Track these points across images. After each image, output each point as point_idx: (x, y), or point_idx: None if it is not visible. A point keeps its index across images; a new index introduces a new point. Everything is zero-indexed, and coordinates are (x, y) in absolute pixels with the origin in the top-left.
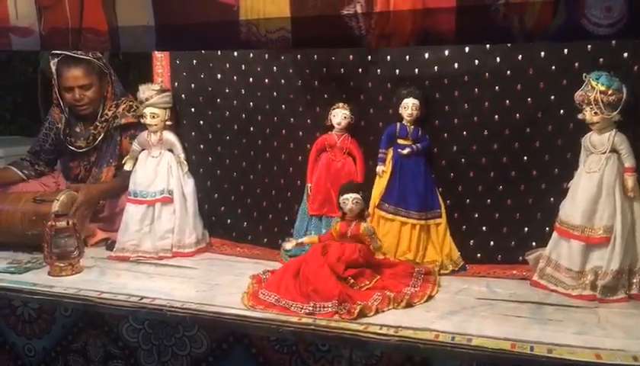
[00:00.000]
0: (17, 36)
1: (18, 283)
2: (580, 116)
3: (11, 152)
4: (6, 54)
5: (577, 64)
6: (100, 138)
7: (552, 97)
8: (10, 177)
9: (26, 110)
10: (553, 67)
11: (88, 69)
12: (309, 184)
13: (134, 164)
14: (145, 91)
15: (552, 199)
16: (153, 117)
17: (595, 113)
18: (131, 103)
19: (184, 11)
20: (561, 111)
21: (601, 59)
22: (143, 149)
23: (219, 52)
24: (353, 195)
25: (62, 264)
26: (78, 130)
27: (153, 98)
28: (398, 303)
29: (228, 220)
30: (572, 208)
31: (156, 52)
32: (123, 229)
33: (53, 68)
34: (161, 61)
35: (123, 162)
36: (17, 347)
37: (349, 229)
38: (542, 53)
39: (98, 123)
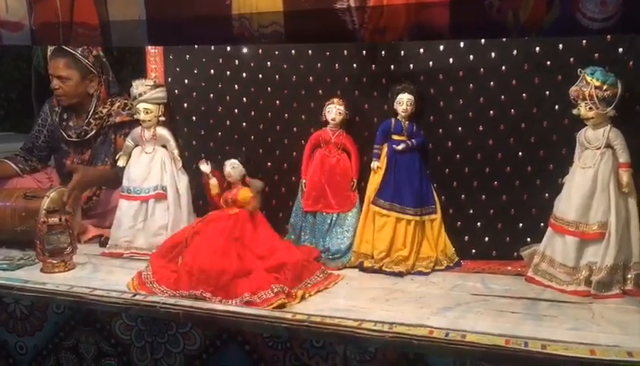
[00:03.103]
0: (7, 30)
1: (10, 280)
2: (575, 111)
3: (5, 148)
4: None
5: (572, 59)
6: (91, 134)
7: (547, 92)
8: (5, 171)
9: (19, 107)
10: (548, 62)
11: (69, 64)
12: (304, 180)
13: (127, 160)
14: (138, 86)
15: (546, 195)
16: (146, 112)
17: (590, 108)
18: (125, 101)
19: (176, 6)
20: (556, 107)
21: (596, 55)
22: (137, 145)
23: (213, 48)
24: (233, 160)
25: (54, 261)
26: (71, 123)
27: (146, 94)
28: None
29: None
30: (567, 204)
31: (150, 47)
32: (116, 225)
33: (49, 54)
34: (154, 56)
35: (117, 157)
36: (8, 345)
37: (230, 195)
38: (537, 48)
39: (92, 120)
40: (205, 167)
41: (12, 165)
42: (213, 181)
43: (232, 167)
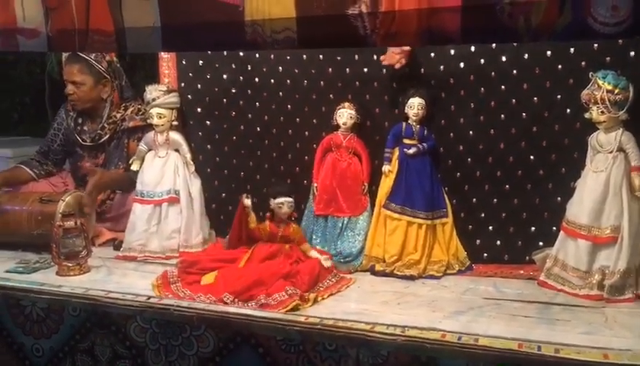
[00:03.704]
0: (24, 37)
1: (27, 283)
2: (586, 115)
3: (19, 152)
4: (14, 55)
5: (583, 63)
6: (105, 138)
7: (559, 96)
8: (20, 175)
9: (33, 111)
10: (559, 66)
11: (83, 68)
12: (315, 184)
13: (141, 164)
14: (152, 91)
15: (558, 198)
16: (160, 117)
17: (602, 112)
18: (139, 106)
19: (190, 12)
20: (568, 110)
21: (608, 58)
22: (150, 150)
23: (225, 53)
24: (290, 199)
25: (70, 264)
26: (86, 128)
27: (160, 99)
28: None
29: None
30: (579, 207)
31: (162, 53)
32: (130, 229)
33: (63, 60)
34: (167, 62)
35: (130, 162)
36: (25, 347)
37: (280, 230)
38: (549, 52)
39: (105, 125)
40: (247, 202)
41: (28, 169)
42: (252, 217)
43: (290, 206)
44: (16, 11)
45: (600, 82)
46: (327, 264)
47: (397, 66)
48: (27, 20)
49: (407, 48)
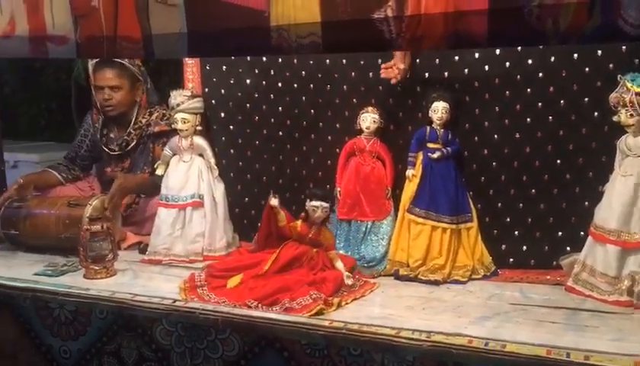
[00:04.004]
0: (53, 44)
1: (55, 285)
2: (615, 118)
3: (46, 157)
4: (41, 62)
5: (611, 65)
6: (132, 144)
7: (586, 99)
8: (49, 179)
9: (59, 117)
10: (587, 69)
11: (120, 73)
12: (338, 189)
13: (166, 169)
14: (176, 96)
15: (586, 203)
16: (184, 122)
17: (631, 115)
18: (164, 111)
19: (216, 19)
20: (595, 114)
21: (636, 60)
22: (174, 154)
23: (249, 58)
24: (325, 204)
25: (96, 267)
26: (112, 135)
27: (184, 104)
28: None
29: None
30: (608, 212)
31: (187, 58)
32: (155, 232)
33: (90, 68)
34: (191, 67)
35: (155, 166)
36: (53, 349)
37: (310, 233)
38: (575, 55)
39: (132, 130)
40: (274, 201)
41: (56, 174)
42: (282, 215)
43: (325, 211)
44: (45, 19)
45: (629, 85)
46: (348, 282)
47: (393, 81)
48: (57, 27)
49: (402, 66)
